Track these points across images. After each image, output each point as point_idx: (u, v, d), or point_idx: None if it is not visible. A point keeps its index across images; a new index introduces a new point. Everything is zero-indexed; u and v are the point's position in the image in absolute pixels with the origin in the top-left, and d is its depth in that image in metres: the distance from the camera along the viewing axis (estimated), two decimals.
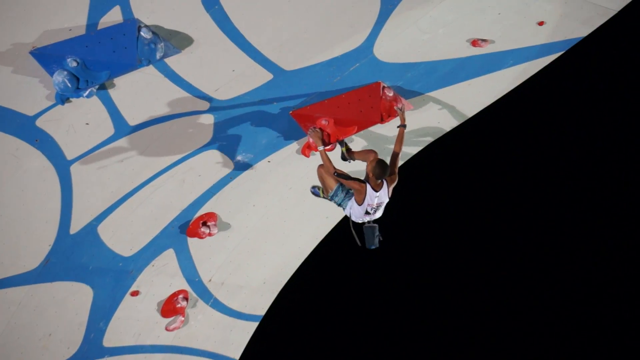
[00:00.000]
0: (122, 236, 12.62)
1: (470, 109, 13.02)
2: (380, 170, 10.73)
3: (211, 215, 13.37)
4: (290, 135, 12.53)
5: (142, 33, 9.62)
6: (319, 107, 11.81)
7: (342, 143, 12.06)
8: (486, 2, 10.99)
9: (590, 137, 17.28)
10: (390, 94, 11.67)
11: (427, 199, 18.09)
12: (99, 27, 9.47)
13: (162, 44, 9.88)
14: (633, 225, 17.36)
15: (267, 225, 14.27)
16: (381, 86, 11.67)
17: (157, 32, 9.80)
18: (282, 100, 11.76)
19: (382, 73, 11.76)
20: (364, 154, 11.62)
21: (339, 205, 11.26)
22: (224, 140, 12.17)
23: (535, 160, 17.85)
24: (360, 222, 11.30)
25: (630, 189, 17.31)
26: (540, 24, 11.52)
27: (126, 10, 9.45)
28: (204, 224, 13.32)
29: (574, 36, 11.86)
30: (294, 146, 12.87)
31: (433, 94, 12.41)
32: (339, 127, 11.79)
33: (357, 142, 12.86)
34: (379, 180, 10.84)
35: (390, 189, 11.03)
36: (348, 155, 12.01)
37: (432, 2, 10.88)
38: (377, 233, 11.37)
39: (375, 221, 11.37)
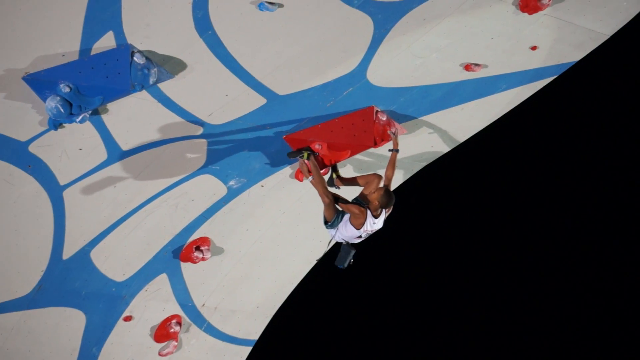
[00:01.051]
0: (115, 261, 12.58)
1: (464, 133, 13.04)
2: (387, 200, 10.65)
3: (204, 240, 13.34)
4: (283, 159, 12.50)
5: (135, 58, 9.62)
6: (312, 132, 11.81)
7: (335, 168, 12.03)
8: (479, 27, 11.01)
9: (583, 159, 17.34)
10: (384, 118, 11.68)
11: (420, 224, 18.09)
12: (92, 52, 9.47)
13: (156, 69, 9.88)
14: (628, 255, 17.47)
15: (260, 249, 14.24)
16: (374, 110, 11.67)
17: (151, 58, 9.80)
18: (275, 125, 11.76)
19: (376, 97, 11.77)
20: (366, 179, 11.47)
21: (331, 228, 11.20)
22: (217, 164, 12.15)
23: (528, 183, 17.89)
24: (344, 242, 11.23)
25: (625, 210, 17.37)
26: (533, 48, 11.55)
27: (119, 35, 9.45)
28: (197, 248, 13.28)
29: (567, 60, 11.89)
30: (288, 170, 12.86)
31: (426, 118, 12.42)
32: (332, 151, 11.78)
33: (349, 168, 12.85)
34: (380, 209, 10.83)
35: (386, 216, 11.00)
36: (337, 181, 11.96)
37: (425, 27, 10.89)
38: (351, 257, 11.29)
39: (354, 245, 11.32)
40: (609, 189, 17.41)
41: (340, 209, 11.04)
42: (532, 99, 12.54)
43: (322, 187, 11.18)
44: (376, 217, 10.79)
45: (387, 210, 10.95)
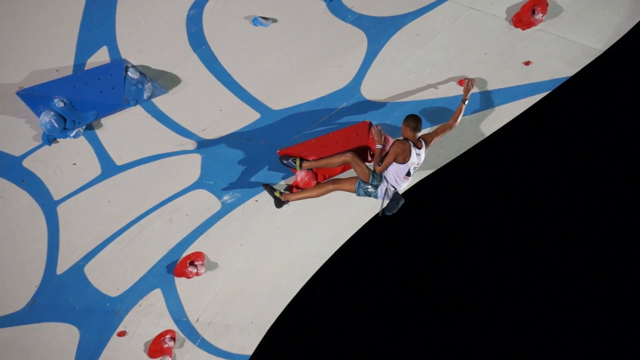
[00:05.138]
0: (109, 276, 12.56)
1: (457, 149, 13.08)
2: (416, 122, 11.02)
3: (198, 255, 13.32)
4: (278, 174, 12.52)
5: (129, 73, 9.61)
6: (306, 146, 11.81)
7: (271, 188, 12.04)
8: (472, 42, 11.04)
9: (575, 176, 17.41)
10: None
11: (415, 239, 18.15)
12: (86, 67, 9.45)
13: (150, 84, 9.86)
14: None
15: (254, 264, 14.23)
16: (368, 125, 11.68)
17: (145, 72, 9.79)
18: (269, 140, 11.76)
19: (370, 112, 11.78)
20: (341, 157, 11.53)
21: (375, 188, 11.17)
22: (212, 179, 12.15)
23: (520, 198, 17.97)
24: (394, 189, 11.13)
25: (615, 223, 17.49)
26: (527, 63, 11.58)
27: (113, 50, 9.44)
28: (192, 263, 13.25)
29: (560, 76, 11.92)
30: (282, 185, 12.85)
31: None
32: None
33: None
34: (419, 138, 11.09)
35: (427, 149, 11.27)
36: (284, 198, 11.91)
37: (419, 42, 10.92)
38: (399, 205, 11.25)
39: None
40: (600, 204, 17.52)
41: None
42: (525, 115, 12.57)
43: (335, 158, 11.48)
44: (419, 147, 11.03)
45: (427, 143, 11.23)
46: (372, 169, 11.10)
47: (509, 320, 18.71)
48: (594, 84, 14.93)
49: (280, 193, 11.80)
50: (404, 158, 10.87)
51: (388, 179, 11.05)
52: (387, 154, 10.94)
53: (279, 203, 11.84)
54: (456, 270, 18.97)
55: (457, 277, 19.02)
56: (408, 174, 11.02)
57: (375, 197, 11.22)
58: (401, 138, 11.05)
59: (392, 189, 11.08)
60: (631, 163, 16.91)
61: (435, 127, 11.66)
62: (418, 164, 11.07)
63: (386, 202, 11.15)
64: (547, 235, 18.29)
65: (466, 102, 11.39)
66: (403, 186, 11.18)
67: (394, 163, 10.94)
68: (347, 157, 11.26)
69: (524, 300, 18.64)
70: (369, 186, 11.11)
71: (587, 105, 16.32)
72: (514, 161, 17.49)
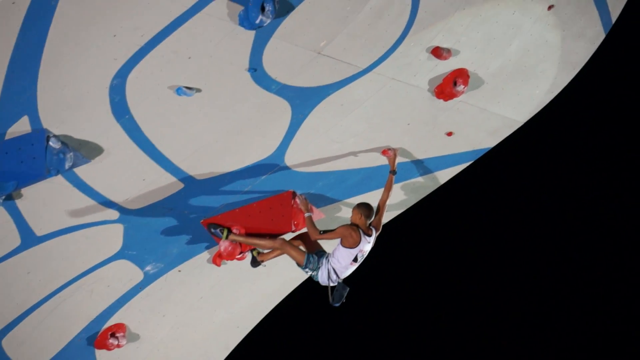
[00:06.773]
0: (28, 349, 12.29)
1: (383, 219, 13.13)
2: (368, 210, 10.87)
3: (120, 326, 13.11)
4: (201, 244, 12.44)
5: (50, 143, 9.48)
6: (230, 216, 11.77)
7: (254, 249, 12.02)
8: (396, 113, 11.16)
9: (499, 247, 17.62)
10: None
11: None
12: (7, 137, 9.32)
13: (72, 153, 9.74)
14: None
15: (177, 335, 14.04)
16: (292, 195, 11.69)
17: (67, 142, 9.67)
18: (193, 210, 11.69)
19: (294, 182, 11.80)
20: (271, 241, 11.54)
21: (315, 270, 11.07)
22: (134, 249, 12.01)
23: (449, 269, 18.13)
24: (340, 276, 10.99)
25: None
26: (449, 134, 11.72)
27: (34, 120, 9.32)
28: (113, 335, 13.04)
29: (482, 147, 12.08)
30: (205, 255, 12.77)
31: (344, 202, 12.48)
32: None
33: None
34: (370, 225, 10.92)
35: (377, 235, 11.09)
36: (260, 258, 11.91)
37: (342, 112, 10.99)
38: (345, 294, 11.12)
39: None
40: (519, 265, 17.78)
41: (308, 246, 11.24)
42: (448, 185, 12.69)
43: (265, 242, 11.47)
44: (369, 235, 10.86)
45: (376, 230, 11.04)
46: (305, 251, 11.09)
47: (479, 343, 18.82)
48: (514, 155, 15.19)
49: (258, 253, 11.77)
50: (350, 243, 10.82)
51: (332, 263, 10.99)
52: (332, 230, 10.91)
53: (254, 262, 11.82)
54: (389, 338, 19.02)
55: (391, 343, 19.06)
56: (355, 259, 10.96)
57: (317, 280, 11.19)
58: (350, 223, 11.02)
59: (335, 276, 11.03)
60: (553, 232, 17.22)
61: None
62: (366, 251, 11.01)
63: (332, 284, 11.13)
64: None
65: (395, 173, 11.44)
66: (349, 271, 11.11)
67: (341, 247, 10.90)
68: (277, 243, 11.26)
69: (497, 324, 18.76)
70: (307, 269, 11.07)
71: (508, 176, 16.59)
72: (436, 233, 17.65)
